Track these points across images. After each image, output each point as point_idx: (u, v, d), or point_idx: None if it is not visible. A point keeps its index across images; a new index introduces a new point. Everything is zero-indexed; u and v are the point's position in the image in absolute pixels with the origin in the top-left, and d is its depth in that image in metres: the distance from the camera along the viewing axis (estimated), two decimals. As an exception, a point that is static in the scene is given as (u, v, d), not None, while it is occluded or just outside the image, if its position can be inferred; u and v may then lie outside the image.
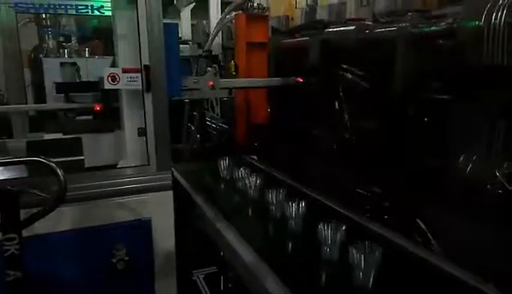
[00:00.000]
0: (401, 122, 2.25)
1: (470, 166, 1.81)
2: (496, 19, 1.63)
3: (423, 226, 2.01)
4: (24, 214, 1.77)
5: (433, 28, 2.03)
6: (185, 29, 4.68)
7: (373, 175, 2.40)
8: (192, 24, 4.85)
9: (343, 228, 1.68)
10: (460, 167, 1.85)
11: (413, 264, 1.68)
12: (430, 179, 2.03)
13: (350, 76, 2.69)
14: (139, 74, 2.19)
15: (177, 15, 4.72)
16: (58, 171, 1.72)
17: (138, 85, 2.20)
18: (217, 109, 3.13)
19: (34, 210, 1.78)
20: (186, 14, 4.70)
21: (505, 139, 1.70)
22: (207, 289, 2.61)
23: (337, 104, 2.81)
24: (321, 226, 1.69)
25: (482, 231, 1.74)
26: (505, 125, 1.68)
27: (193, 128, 3.97)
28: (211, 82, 2.90)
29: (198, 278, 2.70)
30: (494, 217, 1.72)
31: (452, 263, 1.63)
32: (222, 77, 3.24)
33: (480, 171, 1.77)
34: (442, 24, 1.96)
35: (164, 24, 2.21)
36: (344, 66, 2.73)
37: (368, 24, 2.60)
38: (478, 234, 1.75)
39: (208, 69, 3.00)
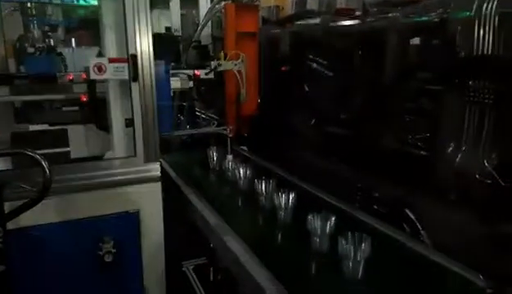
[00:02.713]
0: (391, 111, 2.25)
1: (460, 156, 1.81)
2: (486, 9, 1.62)
3: (411, 216, 2.02)
4: (8, 206, 1.74)
5: (423, 18, 2.02)
6: (174, 19, 4.62)
7: (361, 164, 2.40)
8: (181, 14, 4.79)
9: (333, 218, 1.67)
10: (447, 157, 1.85)
11: (403, 254, 1.68)
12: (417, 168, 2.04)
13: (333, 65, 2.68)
14: (126, 64, 2.15)
15: (167, 4, 4.66)
16: (43, 162, 1.69)
17: (125, 75, 2.16)
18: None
19: (19, 202, 1.75)
20: (175, 3, 4.63)
21: (494, 129, 1.70)
22: (196, 280, 2.59)
23: (324, 93, 2.81)
24: (310, 217, 1.68)
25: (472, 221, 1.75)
26: (494, 115, 1.68)
27: (182, 118, 3.93)
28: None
29: (187, 269, 2.68)
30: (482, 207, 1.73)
31: (442, 254, 1.63)
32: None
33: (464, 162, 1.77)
34: (433, 14, 1.95)
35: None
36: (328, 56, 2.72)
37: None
38: (467, 224, 1.76)
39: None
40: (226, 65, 3.06)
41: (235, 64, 3.07)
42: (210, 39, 4.12)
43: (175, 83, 3.32)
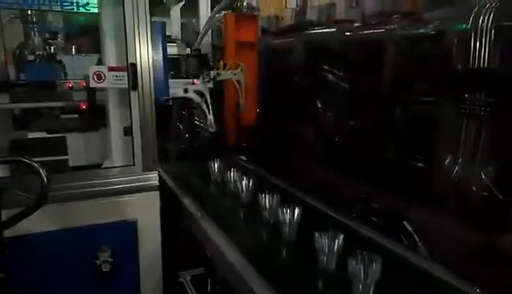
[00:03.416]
0: (388, 123, 2.26)
1: (456, 168, 1.81)
2: (483, 22, 1.64)
3: (409, 228, 2.02)
4: (6, 214, 1.73)
5: (420, 30, 2.04)
6: (174, 28, 4.63)
7: (358, 175, 2.40)
8: (182, 23, 4.80)
9: (342, 237, 1.63)
10: (446, 169, 1.85)
11: (402, 267, 1.68)
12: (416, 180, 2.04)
13: (332, 77, 2.69)
14: (125, 73, 2.16)
15: (167, 13, 4.68)
16: (41, 170, 1.69)
17: (124, 83, 2.17)
18: (210, 117, 3.10)
19: (17, 210, 1.75)
20: (175, 12, 4.65)
21: (491, 141, 1.70)
22: (194, 291, 2.57)
23: (323, 104, 2.81)
24: (317, 234, 1.65)
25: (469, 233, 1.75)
26: (491, 128, 1.69)
27: (182, 127, 3.93)
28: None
29: (184, 279, 2.66)
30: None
31: (437, 265, 1.63)
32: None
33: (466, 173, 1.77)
34: (430, 26, 1.97)
35: (151, 22, 2.19)
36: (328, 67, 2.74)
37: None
38: (463, 236, 1.76)
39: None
40: (225, 75, 3.07)
41: (235, 74, 3.08)
42: (210, 48, 4.13)
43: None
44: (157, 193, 2.28)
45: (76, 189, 2.10)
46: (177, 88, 2.92)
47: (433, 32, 1.95)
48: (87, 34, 3.97)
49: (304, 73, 3.14)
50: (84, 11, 2.36)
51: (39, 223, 1.94)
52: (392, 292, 1.49)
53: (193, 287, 2.58)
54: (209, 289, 2.42)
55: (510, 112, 1.65)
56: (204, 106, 2.98)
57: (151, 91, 2.21)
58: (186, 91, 3.00)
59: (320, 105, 2.99)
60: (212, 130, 3.16)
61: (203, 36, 3.88)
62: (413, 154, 2.10)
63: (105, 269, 2.11)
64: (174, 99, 3.04)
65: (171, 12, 4.63)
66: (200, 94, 3.05)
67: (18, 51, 3.99)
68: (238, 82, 3.09)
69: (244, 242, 1.88)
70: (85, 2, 2.37)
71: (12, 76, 3.49)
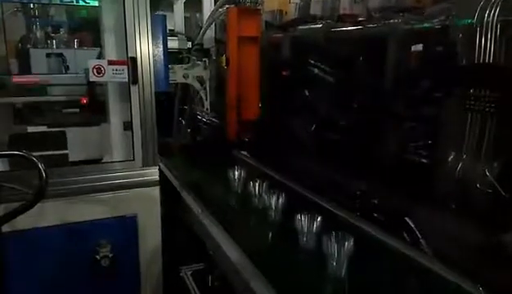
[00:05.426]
0: (392, 118, 2.23)
1: (460, 165, 1.78)
2: (488, 16, 1.60)
3: (411, 224, 1.99)
4: (4, 209, 1.73)
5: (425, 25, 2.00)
6: (178, 22, 4.61)
7: (364, 171, 2.38)
8: (185, 17, 4.79)
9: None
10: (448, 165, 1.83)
11: (403, 263, 1.66)
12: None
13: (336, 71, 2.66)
14: (125, 67, 2.15)
15: (170, 7, 4.66)
16: (39, 165, 1.68)
17: (124, 77, 2.15)
18: (207, 104, 3.08)
19: (15, 204, 1.74)
20: (179, 6, 4.63)
21: (496, 138, 1.67)
22: (194, 286, 2.57)
23: (327, 98, 2.79)
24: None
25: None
26: (495, 124, 1.66)
27: (183, 122, 3.92)
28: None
29: (185, 274, 2.65)
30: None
31: (440, 264, 1.61)
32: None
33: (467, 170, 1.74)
34: (435, 21, 1.94)
35: (152, 15, 2.17)
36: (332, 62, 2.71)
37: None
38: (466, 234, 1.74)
39: (198, 62, 2.95)
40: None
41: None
42: (213, 42, 4.11)
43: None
44: (157, 188, 2.27)
45: (76, 183, 2.09)
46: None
47: (437, 26, 1.92)
48: (89, 28, 3.96)
49: (308, 68, 3.11)
50: (84, 3, 2.34)
51: (38, 218, 1.93)
52: (394, 291, 1.49)
53: (194, 282, 2.58)
54: (210, 284, 2.42)
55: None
56: (203, 93, 2.95)
57: (152, 85, 2.19)
58: (186, 77, 2.96)
59: (323, 100, 2.96)
60: (207, 117, 3.14)
61: (205, 30, 3.85)
62: (416, 150, 2.07)
63: (104, 265, 2.10)
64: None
65: (174, 6, 4.61)
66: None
67: (20, 45, 3.98)
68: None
69: (243, 236, 1.88)
70: (85, -6, 2.36)
71: (14, 69, 3.49)
